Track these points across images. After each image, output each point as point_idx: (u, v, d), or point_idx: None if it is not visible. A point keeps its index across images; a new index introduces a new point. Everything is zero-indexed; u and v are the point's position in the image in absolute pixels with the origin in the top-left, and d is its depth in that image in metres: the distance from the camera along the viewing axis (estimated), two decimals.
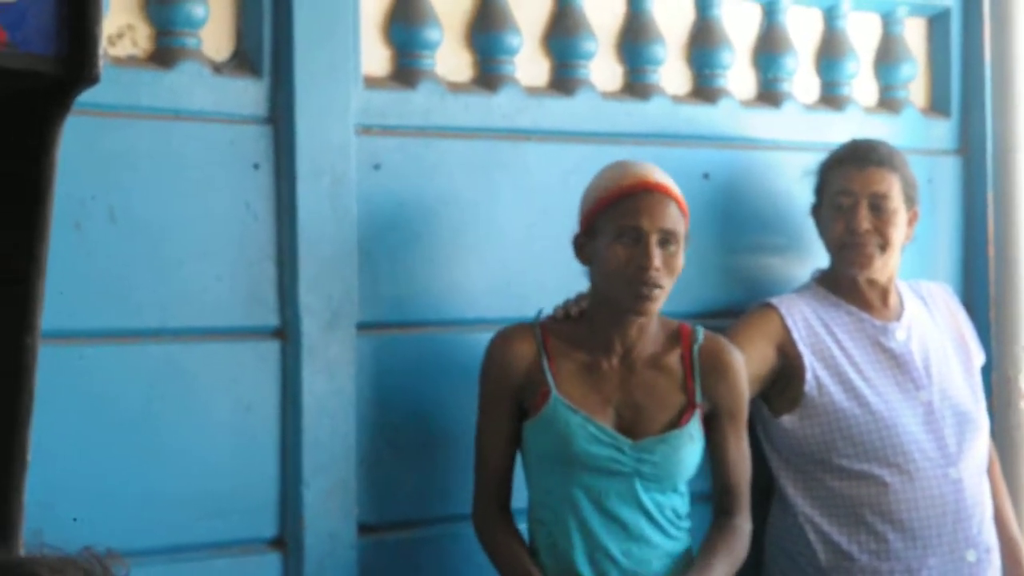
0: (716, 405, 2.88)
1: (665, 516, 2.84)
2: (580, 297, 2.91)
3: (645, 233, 2.75)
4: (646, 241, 2.75)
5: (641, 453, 2.80)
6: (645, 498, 2.81)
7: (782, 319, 3.25)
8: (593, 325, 2.84)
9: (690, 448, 2.83)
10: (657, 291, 2.76)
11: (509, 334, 2.84)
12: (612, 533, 2.79)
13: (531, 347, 2.82)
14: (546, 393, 2.80)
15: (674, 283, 2.82)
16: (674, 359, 2.87)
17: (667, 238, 2.77)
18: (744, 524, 2.92)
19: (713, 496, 2.95)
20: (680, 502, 2.87)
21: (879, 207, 3.24)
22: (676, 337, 2.88)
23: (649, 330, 2.84)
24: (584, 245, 2.83)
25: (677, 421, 2.83)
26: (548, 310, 2.90)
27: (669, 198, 2.79)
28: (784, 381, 3.25)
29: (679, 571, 2.83)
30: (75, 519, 2.53)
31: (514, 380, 2.81)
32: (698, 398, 2.85)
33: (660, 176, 2.81)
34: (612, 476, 2.79)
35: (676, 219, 2.79)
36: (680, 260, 2.80)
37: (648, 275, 2.74)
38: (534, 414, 2.81)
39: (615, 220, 2.76)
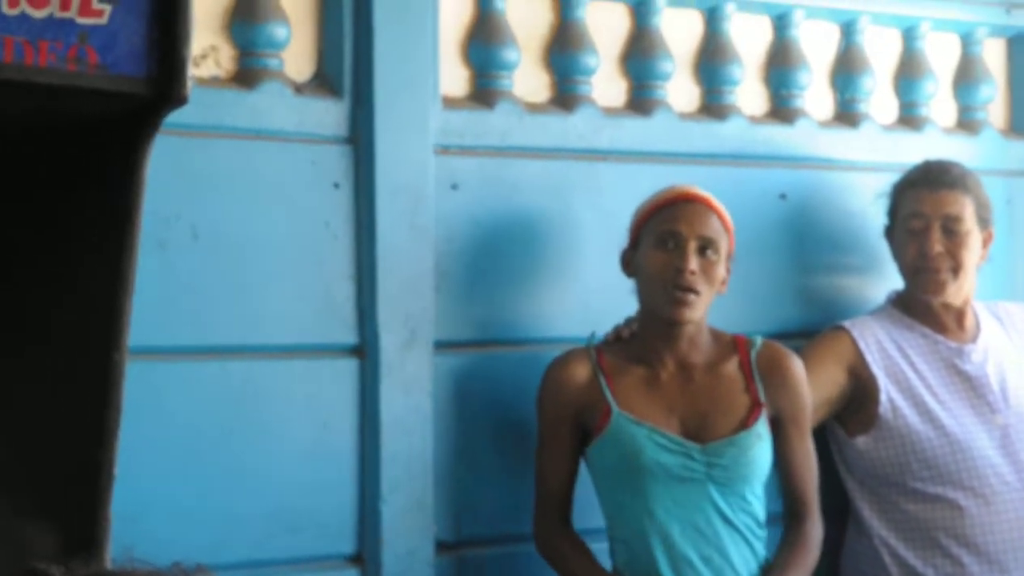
0: (778, 411, 2.90)
1: (742, 522, 2.84)
2: (631, 320, 2.93)
3: (684, 238, 2.80)
4: (684, 246, 2.79)
5: (711, 457, 2.81)
6: (721, 503, 2.82)
7: (854, 342, 3.23)
8: (644, 340, 2.87)
9: (759, 448, 2.84)
10: (693, 296, 2.79)
11: (564, 358, 2.88)
12: (691, 540, 2.80)
13: (587, 369, 2.85)
14: (608, 411, 2.82)
15: (714, 294, 2.85)
16: (732, 366, 2.89)
17: (706, 245, 2.81)
18: (813, 530, 2.93)
19: (783, 504, 2.95)
20: (757, 507, 2.87)
21: (952, 230, 3.22)
22: (732, 347, 2.91)
23: (700, 341, 2.87)
24: (631, 258, 2.88)
25: (744, 422, 2.85)
26: (600, 334, 2.92)
27: (710, 209, 2.84)
28: (858, 403, 3.24)
29: None
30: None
31: (572, 403, 2.84)
32: (762, 398, 2.87)
33: (704, 192, 2.87)
34: (685, 483, 2.80)
35: (716, 229, 2.83)
36: (720, 271, 2.83)
37: (684, 278, 2.78)
38: (598, 434, 2.83)
39: (656, 228, 2.83)
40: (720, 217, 2.85)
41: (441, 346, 2.94)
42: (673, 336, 2.85)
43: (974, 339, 3.31)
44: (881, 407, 3.20)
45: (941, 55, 3.65)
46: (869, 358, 3.23)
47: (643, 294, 2.86)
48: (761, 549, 2.88)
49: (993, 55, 3.74)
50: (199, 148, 2.73)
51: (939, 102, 3.64)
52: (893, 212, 3.30)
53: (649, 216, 2.85)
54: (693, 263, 2.78)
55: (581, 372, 2.85)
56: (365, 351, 2.88)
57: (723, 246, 2.84)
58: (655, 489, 2.80)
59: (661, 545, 2.80)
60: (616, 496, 2.84)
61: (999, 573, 3.16)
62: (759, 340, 2.93)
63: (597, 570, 2.83)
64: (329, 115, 2.86)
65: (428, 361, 2.91)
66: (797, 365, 2.94)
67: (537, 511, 2.88)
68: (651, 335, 2.87)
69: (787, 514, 2.95)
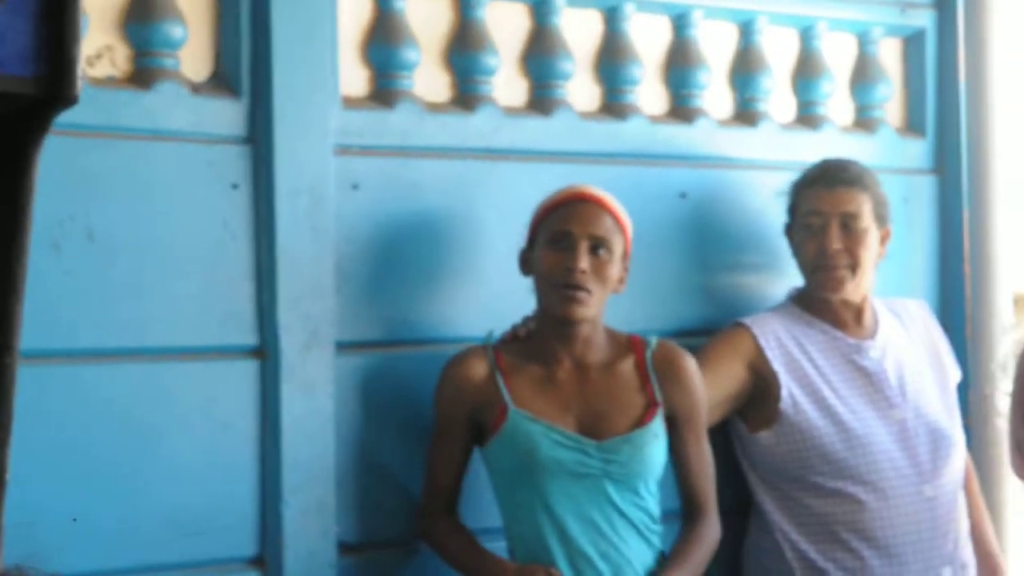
0: (673, 410, 2.93)
1: (637, 517, 2.87)
2: (528, 319, 2.95)
3: (575, 238, 2.82)
4: (575, 245, 2.81)
5: (607, 453, 2.83)
6: (617, 499, 2.84)
7: (754, 338, 3.26)
8: (541, 339, 2.89)
9: (655, 446, 2.87)
10: (583, 294, 2.81)
11: (461, 356, 2.89)
12: (588, 535, 2.83)
13: (484, 367, 2.87)
14: (504, 409, 2.84)
15: (607, 293, 2.87)
16: (628, 366, 2.91)
17: (598, 244, 2.83)
18: (708, 529, 2.96)
19: (680, 503, 2.98)
20: (651, 503, 2.90)
21: (850, 227, 3.25)
22: (628, 346, 2.94)
23: (596, 340, 2.90)
24: (528, 257, 2.90)
25: (640, 420, 2.87)
26: (498, 333, 2.93)
27: (603, 209, 2.86)
28: (759, 399, 3.26)
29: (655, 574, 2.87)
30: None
31: (468, 400, 2.86)
32: (658, 397, 2.89)
33: (600, 191, 2.89)
34: (581, 479, 2.82)
35: (609, 228, 2.85)
36: (614, 270, 2.85)
37: (574, 277, 2.80)
38: (494, 432, 2.84)
39: (550, 227, 2.85)
40: (614, 216, 2.87)
41: (343, 347, 2.93)
42: (568, 335, 2.87)
43: (873, 335, 3.35)
44: (782, 403, 3.23)
45: (838, 55, 3.69)
46: (769, 354, 3.25)
47: (538, 293, 2.89)
48: (657, 543, 2.91)
49: (889, 54, 3.78)
50: (95, 149, 2.70)
51: (836, 101, 3.69)
52: (792, 210, 3.33)
53: (544, 216, 2.88)
54: (583, 262, 2.80)
55: (478, 370, 2.86)
56: (266, 352, 2.86)
57: (617, 245, 2.86)
58: (552, 485, 2.81)
59: (559, 541, 2.82)
60: (513, 493, 2.86)
61: (898, 566, 3.20)
62: (654, 340, 2.95)
63: (479, 550, 2.85)
64: (227, 115, 2.84)
65: (330, 362, 2.90)
66: (691, 364, 2.97)
67: (423, 503, 2.91)
68: (548, 334, 2.89)
69: (684, 513, 2.98)
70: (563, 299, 2.82)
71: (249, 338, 2.86)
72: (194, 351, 2.81)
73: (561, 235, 2.83)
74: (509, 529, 2.88)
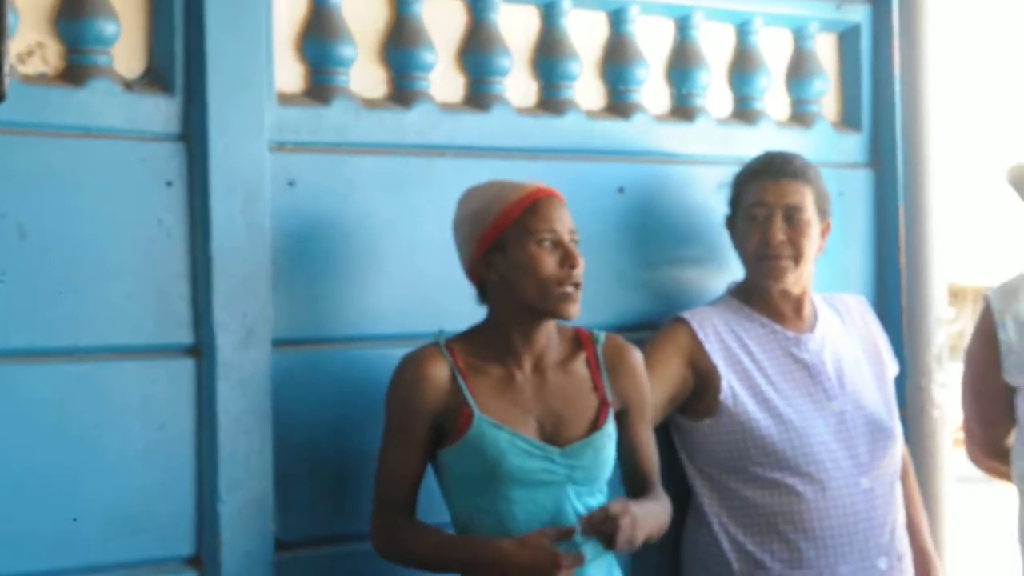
0: (624, 402, 2.93)
1: None
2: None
3: (560, 236, 2.80)
4: (565, 244, 2.80)
5: (571, 459, 2.82)
6: (577, 503, 2.82)
7: (693, 332, 3.28)
8: (500, 338, 2.85)
9: (610, 447, 2.88)
10: (579, 291, 2.81)
11: (418, 357, 2.82)
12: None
13: (444, 369, 2.81)
14: (469, 415, 2.79)
15: None
16: (580, 362, 2.90)
17: (575, 237, 2.83)
18: (661, 495, 2.98)
19: (630, 490, 2.96)
20: (603, 503, 2.88)
21: (793, 219, 3.27)
22: (577, 341, 2.92)
23: (553, 336, 2.88)
24: (493, 262, 2.82)
25: (596, 422, 2.86)
26: (448, 332, 2.88)
27: (563, 202, 2.86)
28: (700, 392, 3.28)
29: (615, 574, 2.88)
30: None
31: (430, 403, 2.79)
32: (609, 397, 2.89)
33: (545, 184, 2.88)
34: (545, 487, 2.80)
35: (572, 220, 2.86)
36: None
37: (575, 273, 2.79)
38: (456, 438, 2.79)
39: (531, 227, 2.79)
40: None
41: (279, 344, 2.92)
42: (533, 335, 2.84)
43: (811, 328, 3.37)
44: (722, 395, 3.24)
45: (774, 50, 3.71)
46: (709, 348, 3.27)
47: (524, 293, 2.80)
48: (604, 542, 2.89)
49: (825, 50, 3.81)
50: (26, 146, 2.68)
51: (773, 96, 3.71)
52: (735, 202, 3.35)
53: (516, 216, 2.80)
54: (581, 261, 2.81)
55: (438, 372, 2.80)
56: (201, 351, 2.85)
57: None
58: (516, 494, 2.78)
59: None
60: (473, 500, 2.80)
61: (834, 557, 3.22)
62: (602, 335, 2.95)
63: (460, 538, 2.79)
64: (160, 112, 2.82)
65: (266, 360, 2.89)
66: (638, 357, 2.98)
67: (379, 513, 2.82)
68: (510, 331, 2.84)
69: (639, 491, 2.96)
70: (567, 299, 2.79)
71: (184, 336, 2.84)
72: (129, 350, 2.79)
73: (548, 234, 2.79)
74: (462, 531, 2.84)
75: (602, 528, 2.72)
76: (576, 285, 2.80)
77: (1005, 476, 3.52)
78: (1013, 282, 3.44)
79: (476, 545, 2.76)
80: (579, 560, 2.73)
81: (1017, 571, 3.39)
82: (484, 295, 2.88)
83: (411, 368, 2.81)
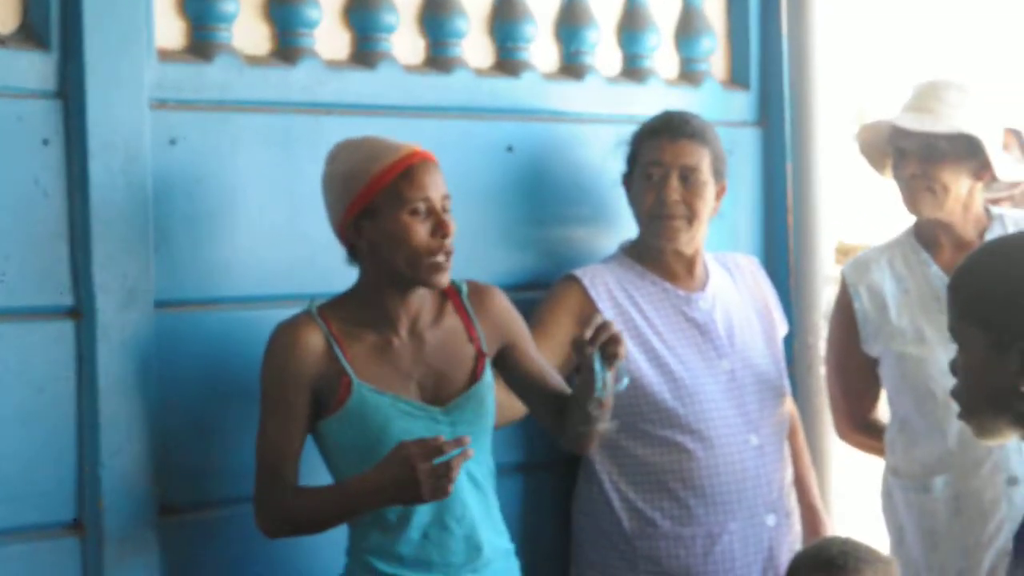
0: (503, 341, 2.91)
1: (482, 474, 2.84)
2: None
3: (432, 203, 2.74)
4: (436, 211, 2.74)
5: (453, 416, 2.79)
6: (467, 462, 2.76)
7: (584, 290, 3.28)
8: (374, 303, 2.80)
9: (491, 397, 2.86)
10: (451, 259, 2.77)
11: (292, 327, 2.75)
12: (443, 505, 2.74)
13: (319, 337, 2.75)
14: (348, 383, 2.74)
15: None
16: (451, 315, 2.87)
17: (446, 203, 2.78)
18: None
19: (553, 406, 2.93)
20: (490, 459, 2.88)
21: (689, 179, 3.27)
22: (443, 296, 2.88)
23: (426, 297, 2.84)
24: (363, 228, 2.75)
25: (474, 374, 2.84)
26: (319, 299, 2.82)
27: (437, 164, 2.78)
28: None
29: (500, 530, 2.86)
30: None
31: (306, 373, 2.73)
32: (483, 346, 2.87)
33: (418, 146, 2.79)
34: None
35: (445, 182, 2.79)
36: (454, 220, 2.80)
37: (447, 243, 2.74)
38: (336, 408, 2.74)
39: (404, 195, 2.72)
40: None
41: (162, 306, 2.87)
42: (406, 300, 2.80)
43: (703, 287, 3.38)
44: None
45: (662, 8, 3.70)
46: (600, 306, 3.27)
47: (394, 262, 2.74)
48: (494, 499, 2.88)
49: (713, 7, 3.80)
50: None
51: (662, 54, 3.70)
52: (632, 159, 3.34)
53: (388, 182, 2.72)
54: (452, 226, 2.75)
55: (313, 340, 2.74)
56: (81, 312, 2.79)
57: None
58: None
59: (410, 512, 2.74)
60: (357, 468, 2.73)
61: (723, 514, 3.24)
62: (463, 283, 2.90)
63: (337, 486, 2.74)
64: (35, 69, 2.74)
65: (148, 322, 2.84)
66: (501, 294, 2.94)
67: (261, 489, 2.74)
68: (384, 297, 2.79)
69: (563, 403, 2.92)
70: (438, 269, 2.74)
71: (64, 298, 2.78)
72: (6, 312, 2.73)
73: (421, 201, 2.72)
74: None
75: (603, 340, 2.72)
76: (447, 254, 2.75)
77: (873, 450, 3.58)
78: (865, 255, 3.52)
79: (347, 488, 2.71)
80: (441, 444, 2.61)
81: (885, 545, 3.44)
82: (354, 256, 2.82)
83: (284, 338, 2.74)
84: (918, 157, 3.35)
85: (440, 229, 2.73)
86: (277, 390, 2.74)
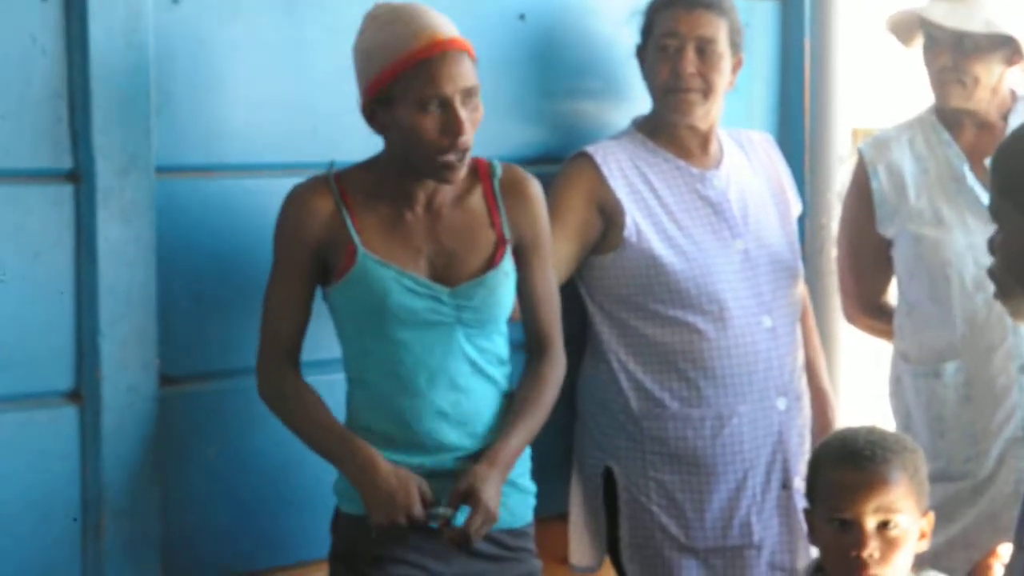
0: (520, 239, 2.81)
1: (488, 361, 2.78)
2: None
3: (450, 99, 2.62)
4: (452, 107, 2.62)
5: (460, 299, 2.72)
6: (469, 347, 2.73)
7: (597, 167, 3.20)
8: (392, 176, 2.72)
9: (507, 286, 2.77)
10: (467, 155, 2.67)
11: (303, 191, 2.70)
12: (439, 387, 2.71)
13: (329, 203, 2.69)
14: (353, 251, 2.68)
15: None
16: (477, 197, 2.79)
17: (469, 95, 2.65)
18: (554, 367, 2.87)
19: (525, 336, 2.89)
20: (502, 345, 2.81)
21: (705, 51, 3.18)
22: (475, 174, 2.80)
23: None
24: (377, 113, 2.67)
25: (492, 260, 2.76)
26: (338, 164, 2.75)
27: (463, 52, 2.65)
28: (604, 228, 3.21)
29: (500, 415, 2.78)
30: None
31: (313, 239, 2.68)
32: (507, 233, 2.79)
33: (448, 28, 2.66)
34: (433, 328, 2.71)
35: (472, 72, 2.66)
36: (481, 109, 2.68)
37: (460, 141, 2.63)
38: (342, 274, 2.69)
39: (416, 89, 2.61)
40: (469, 53, 2.67)
41: (163, 171, 2.79)
42: (425, 180, 2.71)
43: (717, 165, 3.31)
44: (626, 231, 3.18)
45: None
46: (613, 184, 3.20)
47: (406, 153, 2.66)
48: (504, 384, 2.82)
49: None
50: None
51: None
52: (646, 31, 3.25)
53: (401, 71, 2.61)
54: (467, 123, 2.63)
55: (323, 205, 2.68)
56: (80, 176, 2.71)
57: (478, 83, 2.68)
58: (403, 334, 2.68)
59: (408, 393, 2.70)
60: (361, 340, 2.71)
61: (733, 396, 3.19)
62: (499, 166, 2.82)
63: (341, 432, 2.68)
64: None
65: (149, 187, 2.76)
66: (537, 189, 2.86)
67: (264, 352, 2.72)
68: (402, 176, 2.71)
69: (529, 347, 2.88)
70: (448, 168, 2.65)
71: (62, 161, 2.70)
72: (2, 174, 2.65)
73: (434, 98, 2.61)
74: (352, 372, 2.76)
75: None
76: (463, 151, 2.64)
77: (882, 333, 3.54)
78: (885, 134, 3.47)
79: (356, 447, 2.66)
80: (437, 519, 2.65)
81: (892, 426, 3.41)
82: (374, 127, 2.73)
83: (294, 202, 2.70)
84: (949, 48, 3.29)
85: (453, 127, 2.62)
86: (283, 252, 2.71)
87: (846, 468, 2.62)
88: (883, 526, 2.58)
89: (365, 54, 2.67)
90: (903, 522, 2.58)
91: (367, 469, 2.64)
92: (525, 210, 2.82)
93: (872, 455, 2.60)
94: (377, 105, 2.66)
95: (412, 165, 2.68)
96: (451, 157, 2.64)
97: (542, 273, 2.86)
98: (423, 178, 2.71)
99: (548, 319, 2.87)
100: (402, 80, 2.62)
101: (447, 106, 2.62)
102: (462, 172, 2.68)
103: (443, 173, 2.67)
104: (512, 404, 2.81)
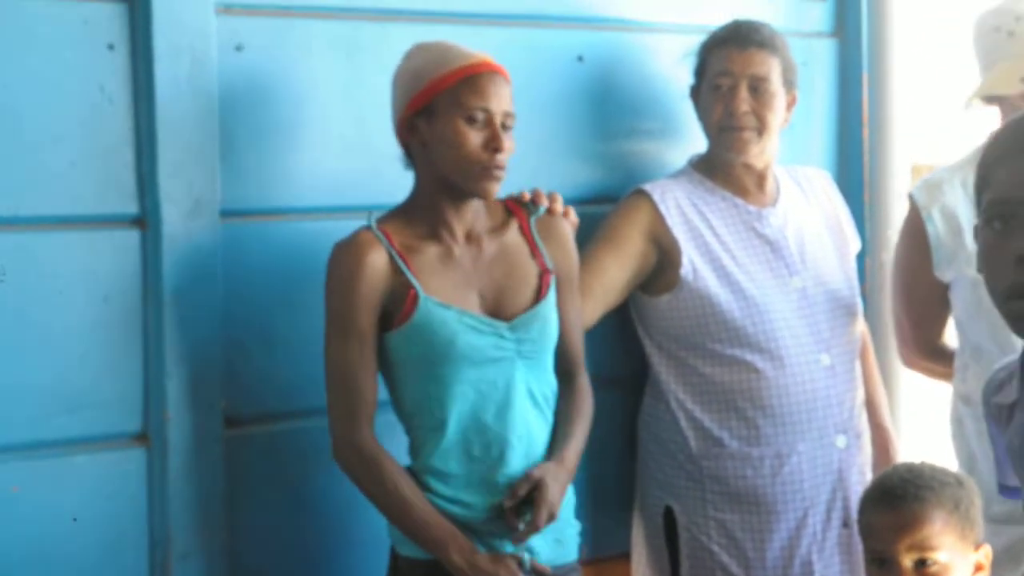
0: (558, 270, 2.86)
1: (542, 393, 2.81)
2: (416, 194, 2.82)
3: (492, 115, 2.69)
4: (494, 124, 2.70)
5: (519, 333, 2.75)
6: (529, 378, 2.76)
7: (654, 205, 3.21)
8: (429, 210, 2.76)
9: (554, 317, 2.82)
10: (503, 173, 2.72)
11: (355, 247, 2.69)
12: (504, 421, 2.73)
13: (382, 254, 2.70)
14: (414, 296, 2.69)
15: None
16: (514, 231, 2.84)
17: (509, 119, 2.72)
18: (586, 382, 2.93)
19: (557, 361, 2.89)
20: (552, 379, 2.84)
21: (758, 89, 3.20)
22: (507, 211, 2.86)
23: (480, 207, 2.80)
24: (417, 127, 2.73)
25: (539, 292, 2.80)
26: (383, 204, 2.79)
27: (506, 80, 2.74)
28: (661, 266, 3.22)
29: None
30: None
31: (376, 294, 2.68)
32: (548, 264, 2.83)
33: (493, 58, 2.76)
34: (495, 364, 2.73)
35: (512, 102, 2.74)
36: (514, 143, 2.75)
37: (499, 158, 2.69)
38: (402, 321, 2.70)
39: (463, 101, 2.68)
40: (509, 84, 2.76)
41: (228, 215, 2.83)
42: (461, 205, 2.76)
43: (774, 203, 3.31)
44: (683, 269, 3.19)
45: None
46: (670, 222, 3.21)
47: (443, 166, 2.71)
48: (551, 416, 2.85)
49: None
50: None
51: None
52: (700, 71, 3.27)
53: (450, 85, 2.69)
54: (507, 145, 2.70)
55: (378, 257, 2.69)
56: (147, 221, 2.76)
57: (515, 120, 2.76)
58: (468, 374, 2.70)
59: (475, 430, 2.72)
60: (423, 385, 2.72)
61: (792, 434, 3.19)
62: (541, 208, 2.88)
63: (429, 511, 2.69)
64: None
65: (214, 231, 2.80)
66: (567, 226, 2.92)
67: (338, 417, 2.69)
68: (437, 204, 2.75)
69: (561, 372, 2.89)
70: (488, 179, 2.70)
71: (129, 207, 2.75)
72: (71, 220, 2.70)
73: (480, 111, 2.68)
74: (412, 419, 2.76)
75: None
76: (500, 167, 2.70)
77: (941, 375, 3.49)
78: (936, 176, 3.41)
79: (447, 532, 2.69)
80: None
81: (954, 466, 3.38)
82: (409, 158, 2.79)
83: (347, 257, 2.69)
84: None
85: (493, 142, 2.69)
86: (345, 311, 2.68)
87: (879, 507, 2.62)
88: (920, 564, 2.57)
89: (410, 74, 2.73)
90: (942, 558, 2.57)
91: (466, 550, 2.68)
92: (559, 244, 2.87)
93: (904, 494, 2.59)
94: (418, 118, 2.72)
95: (448, 182, 2.72)
96: (493, 171, 2.70)
97: (574, 304, 2.92)
98: (457, 201, 2.75)
99: (579, 345, 2.94)
100: (450, 92, 2.69)
101: (490, 123, 2.69)
102: (498, 188, 2.73)
103: (482, 183, 2.71)
104: (561, 416, 2.84)
